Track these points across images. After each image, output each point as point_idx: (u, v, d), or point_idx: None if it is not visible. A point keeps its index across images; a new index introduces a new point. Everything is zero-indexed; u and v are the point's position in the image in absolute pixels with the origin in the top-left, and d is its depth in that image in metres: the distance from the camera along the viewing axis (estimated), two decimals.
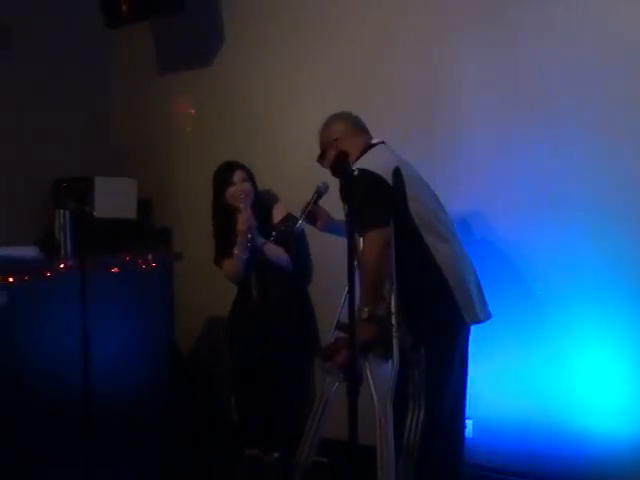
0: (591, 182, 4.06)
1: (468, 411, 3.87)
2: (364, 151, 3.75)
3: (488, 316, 3.76)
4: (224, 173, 4.60)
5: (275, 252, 4.54)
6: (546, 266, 4.18)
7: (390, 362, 3.55)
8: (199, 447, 5.11)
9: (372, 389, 3.54)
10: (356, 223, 3.43)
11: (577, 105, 4.09)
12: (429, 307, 3.65)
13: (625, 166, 3.98)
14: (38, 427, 4.05)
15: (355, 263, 3.00)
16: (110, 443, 4.25)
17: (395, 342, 3.53)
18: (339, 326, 3.83)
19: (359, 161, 3.67)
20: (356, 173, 3.49)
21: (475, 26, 4.40)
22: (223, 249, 4.59)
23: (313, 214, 4.07)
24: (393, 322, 3.53)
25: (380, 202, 3.54)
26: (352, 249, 2.78)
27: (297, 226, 3.94)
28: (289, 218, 4.59)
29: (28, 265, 4.09)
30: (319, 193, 3.92)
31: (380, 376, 3.59)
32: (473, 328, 3.76)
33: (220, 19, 5.41)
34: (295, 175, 4.93)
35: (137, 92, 5.91)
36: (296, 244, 4.67)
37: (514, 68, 4.28)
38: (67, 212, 4.59)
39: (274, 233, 4.59)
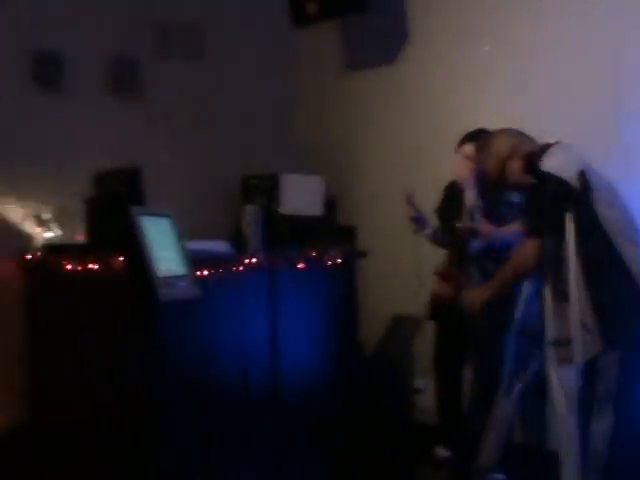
0: None
1: None
2: (542, 152, 3.78)
3: None
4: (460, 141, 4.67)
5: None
6: None
7: (576, 365, 3.58)
8: (382, 447, 5.21)
9: (556, 392, 3.58)
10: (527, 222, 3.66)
11: None
12: (621, 311, 3.64)
13: None
14: (226, 420, 4.29)
15: None
16: (297, 440, 4.46)
17: (582, 346, 3.56)
18: None
19: (542, 163, 3.70)
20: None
21: None
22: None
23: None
24: (580, 325, 3.56)
25: (550, 212, 3.61)
26: None
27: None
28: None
29: (220, 259, 4.35)
30: None
31: (566, 380, 3.61)
32: None
33: (405, 17, 5.53)
34: None
35: (323, 90, 6.12)
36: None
37: None
38: (255, 208, 4.85)
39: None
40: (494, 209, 4.50)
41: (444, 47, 5.33)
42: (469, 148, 4.49)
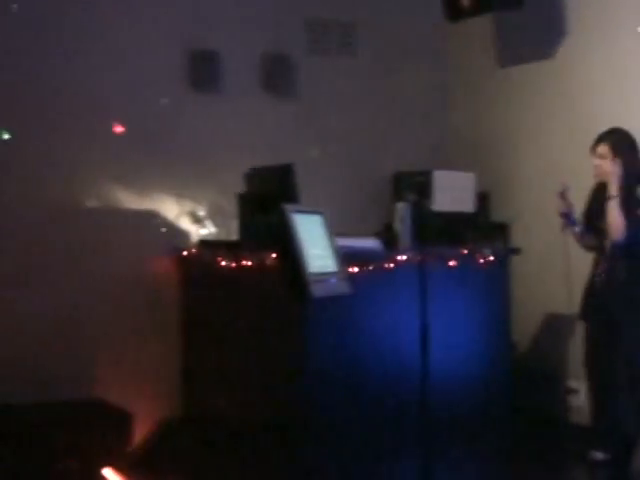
0: None
1: None
2: None
3: None
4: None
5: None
6: None
7: None
8: (535, 447, 5.14)
9: None
10: None
11: None
12: None
13: None
14: (373, 416, 4.35)
15: None
16: (444, 439, 4.45)
17: None
18: None
19: None
20: None
21: None
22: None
23: None
24: None
25: None
26: None
27: None
28: None
29: (370, 256, 4.40)
30: None
31: None
32: None
33: (562, 12, 5.41)
34: None
35: (474, 86, 6.07)
36: None
37: None
38: (406, 205, 4.86)
39: None
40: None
41: (602, 40, 5.19)
42: (603, 148, 4.49)
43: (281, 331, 4.20)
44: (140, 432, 4.70)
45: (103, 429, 4.61)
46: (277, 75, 5.46)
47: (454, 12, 5.55)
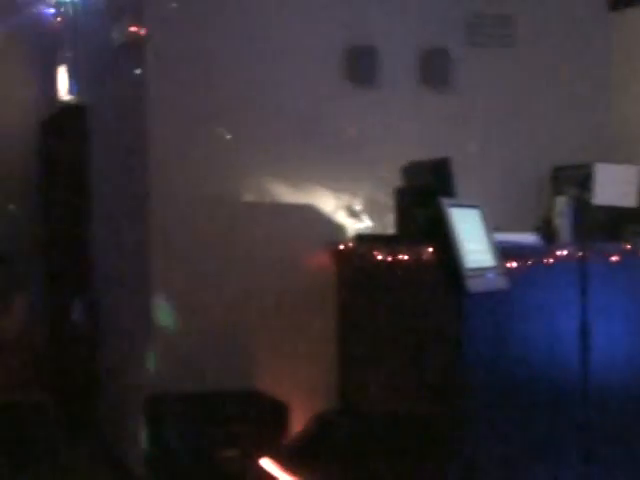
0: None
1: None
2: None
3: None
4: None
5: None
6: None
7: None
8: None
9: None
10: None
11: None
12: None
13: None
14: (531, 414, 4.29)
15: None
16: (606, 438, 4.36)
17: None
18: None
19: None
20: None
21: None
22: None
23: None
24: None
25: None
26: None
27: None
28: None
29: (528, 251, 4.36)
30: None
31: None
32: None
33: None
34: None
35: (636, 77, 5.90)
36: None
37: None
38: (566, 199, 4.79)
39: None
40: None
41: None
42: None
43: (437, 326, 4.21)
44: (297, 424, 4.81)
45: (260, 420, 4.75)
46: (435, 69, 5.46)
47: (619, 1, 5.43)
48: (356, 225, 5.27)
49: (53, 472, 5.70)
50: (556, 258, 4.35)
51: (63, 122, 6.87)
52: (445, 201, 3.82)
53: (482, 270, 3.84)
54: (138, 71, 5.11)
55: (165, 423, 4.76)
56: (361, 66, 5.30)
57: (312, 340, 5.18)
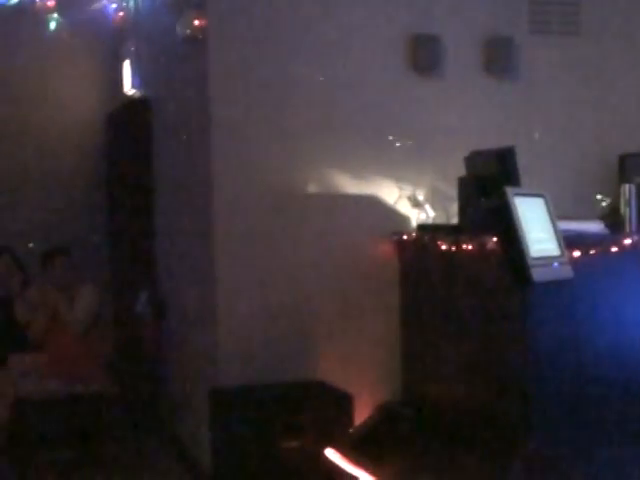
0: None
1: None
2: None
3: None
4: None
5: None
6: None
7: None
8: None
9: None
10: None
11: None
12: None
13: None
14: (600, 404, 4.27)
15: None
16: None
17: None
18: None
19: None
20: None
21: None
22: None
23: None
24: None
25: None
26: None
27: None
28: None
29: (594, 240, 4.34)
30: None
31: None
32: None
33: None
34: None
35: None
36: None
37: None
38: (633, 187, 4.75)
39: None
40: None
41: None
42: None
43: (501, 316, 4.22)
44: (361, 414, 4.86)
45: (325, 410, 4.82)
46: (499, 57, 5.44)
47: None
48: (419, 215, 5.30)
49: (119, 462, 5.85)
50: (622, 247, 4.32)
51: (127, 116, 7.01)
52: (509, 190, 3.82)
53: (547, 259, 3.84)
54: (201, 64, 5.20)
55: (230, 414, 4.85)
56: (425, 55, 5.31)
57: (376, 330, 5.23)
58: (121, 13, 7.24)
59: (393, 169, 5.29)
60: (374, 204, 5.26)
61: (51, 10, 7.12)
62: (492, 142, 4.70)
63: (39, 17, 7.16)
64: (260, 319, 5.12)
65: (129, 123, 6.95)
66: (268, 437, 4.72)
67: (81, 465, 5.85)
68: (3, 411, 5.64)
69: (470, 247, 4.41)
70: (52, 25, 7.20)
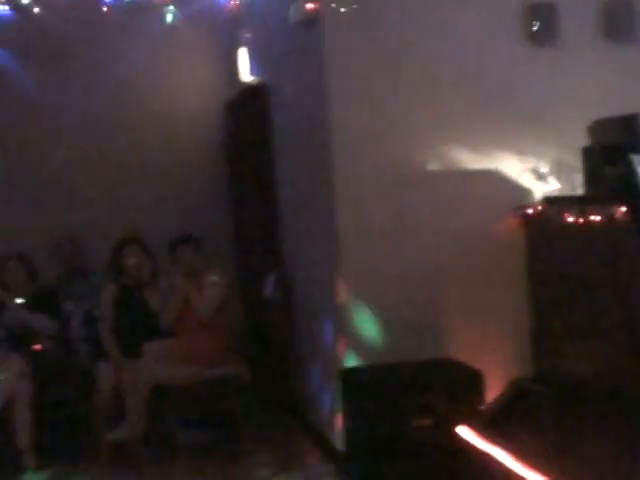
0: None
1: None
2: None
3: None
4: None
5: None
6: None
7: None
8: None
9: None
10: None
11: None
12: None
13: None
14: None
15: None
16: None
17: None
18: None
19: None
20: None
21: None
22: None
23: None
24: None
25: None
26: None
27: None
28: None
29: None
30: None
31: None
32: None
33: None
34: None
35: None
36: None
37: None
38: None
39: None
40: None
41: None
42: None
43: (633, 286, 4.16)
44: (492, 391, 4.86)
45: (456, 388, 4.84)
46: (619, 21, 5.33)
47: None
48: (543, 188, 5.25)
49: (253, 446, 6.01)
50: None
51: (246, 102, 7.14)
52: (636, 158, 3.78)
53: None
54: (316, 47, 5.27)
55: (360, 394, 4.93)
56: (541, 25, 5.24)
57: (504, 306, 5.24)
58: (236, 1, 7.40)
59: (514, 142, 5.25)
60: (497, 178, 5.25)
61: (167, 3, 7.35)
62: (615, 110, 4.63)
63: (156, 10, 7.41)
64: (388, 300, 5.19)
65: (247, 110, 7.08)
66: (400, 416, 4.77)
67: (217, 448, 6.06)
68: (140, 398, 5.86)
69: (598, 218, 4.36)
70: (169, 17, 7.45)
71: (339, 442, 5.27)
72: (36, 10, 7.28)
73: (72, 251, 7.22)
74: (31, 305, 6.31)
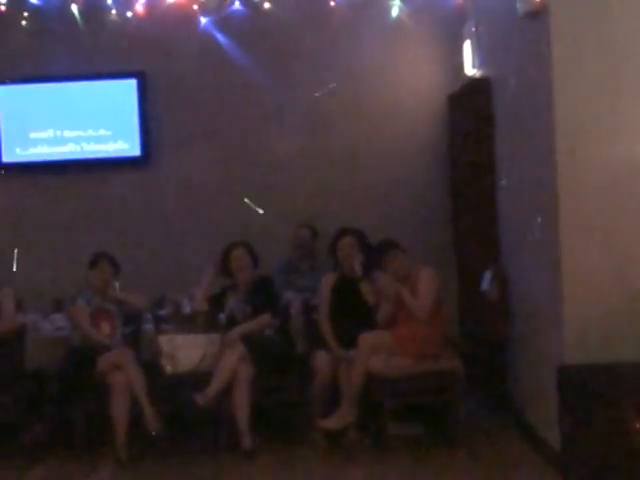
0: None
1: None
2: None
3: None
4: None
5: None
6: None
7: None
8: None
9: None
10: None
11: None
12: None
13: None
14: None
15: None
16: None
17: None
18: None
19: None
20: None
21: None
22: None
23: None
24: None
25: None
26: None
27: None
28: None
29: None
30: None
31: None
32: None
33: None
34: None
35: None
36: None
37: None
38: None
39: None
40: None
41: None
42: None
43: None
44: None
45: None
46: None
47: None
48: None
49: (466, 441, 6.16)
50: None
51: (469, 96, 7.27)
52: None
53: None
54: (542, 40, 5.33)
55: (578, 394, 4.94)
56: None
57: None
58: None
59: None
60: None
61: None
62: None
63: (382, 4, 7.68)
64: (609, 296, 5.21)
65: (471, 103, 7.20)
66: (620, 419, 4.73)
67: (431, 440, 6.25)
68: (354, 388, 6.11)
69: None
70: (394, 11, 7.71)
71: (557, 444, 5.32)
72: (266, 6, 7.75)
73: (310, 237, 7.72)
74: (250, 295, 6.65)
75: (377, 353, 6.19)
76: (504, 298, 6.46)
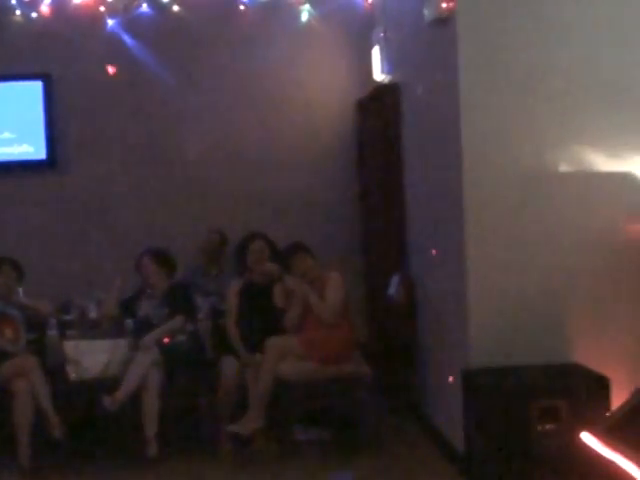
0: None
1: None
2: None
3: None
4: None
5: None
6: None
7: None
8: None
9: None
10: None
11: None
12: None
13: None
14: None
15: None
16: None
17: None
18: None
19: None
20: None
21: None
22: None
23: None
24: None
25: None
26: None
27: None
28: None
29: None
30: None
31: None
32: None
33: None
34: None
35: None
36: None
37: None
38: None
39: None
40: None
41: None
42: None
43: None
44: (618, 398, 4.84)
45: (580, 394, 4.87)
46: None
47: None
48: None
49: (374, 443, 6.16)
50: None
51: (377, 101, 7.31)
52: None
53: None
54: (449, 47, 5.38)
55: (482, 396, 5.01)
56: None
57: (630, 312, 5.25)
58: (370, 0, 7.60)
59: None
60: (629, 182, 5.25)
61: (302, 2, 7.62)
62: None
63: (291, 9, 7.69)
64: (512, 300, 5.27)
65: (379, 108, 7.24)
66: (523, 420, 4.83)
67: (338, 445, 6.24)
68: (261, 392, 6.07)
69: None
70: (304, 16, 7.72)
71: (461, 445, 5.38)
72: (175, 9, 7.69)
73: (220, 242, 7.69)
74: (167, 299, 6.59)
75: (285, 358, 6.17)
76: (411, 302, 6.51)
